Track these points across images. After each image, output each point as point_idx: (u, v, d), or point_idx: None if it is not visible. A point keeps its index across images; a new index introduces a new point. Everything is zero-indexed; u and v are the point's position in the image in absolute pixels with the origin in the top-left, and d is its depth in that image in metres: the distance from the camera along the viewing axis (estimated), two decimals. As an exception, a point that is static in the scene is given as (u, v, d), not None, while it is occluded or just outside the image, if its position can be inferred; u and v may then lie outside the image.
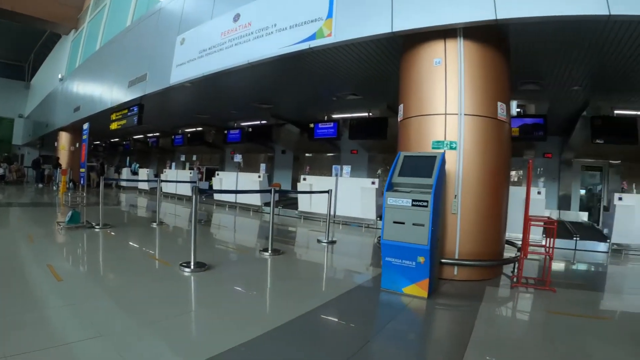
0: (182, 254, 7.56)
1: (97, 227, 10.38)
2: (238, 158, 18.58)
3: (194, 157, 23.06)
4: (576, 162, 18.36)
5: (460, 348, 4.33)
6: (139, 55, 16.88)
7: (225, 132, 22.07)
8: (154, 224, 11.85)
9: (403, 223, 6.20)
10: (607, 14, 6.46)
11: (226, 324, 4.70)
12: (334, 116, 17.43)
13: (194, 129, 24.55)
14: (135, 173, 28.39)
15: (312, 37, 9.39)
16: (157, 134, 28.78)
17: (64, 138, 29.36)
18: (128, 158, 33.98)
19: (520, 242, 7.30)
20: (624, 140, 13.60)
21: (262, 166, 18.01)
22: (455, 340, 4.83)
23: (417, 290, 6.17)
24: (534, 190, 11.63)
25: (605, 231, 12.73)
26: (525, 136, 13.60)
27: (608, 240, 11.75)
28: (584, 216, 17.12)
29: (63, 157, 28.97)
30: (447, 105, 7.43)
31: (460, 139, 7.30)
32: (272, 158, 24.74)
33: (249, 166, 23.52)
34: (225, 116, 20.48)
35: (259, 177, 17.85)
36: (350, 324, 5.10)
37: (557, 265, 9.78)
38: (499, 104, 7.57)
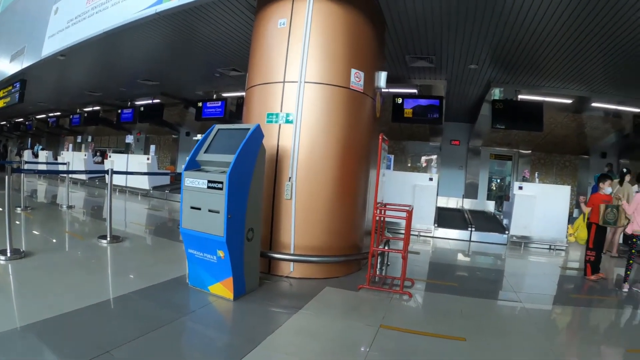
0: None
1: None
2: (130, 139, 17.37)
3: (89, 139, 21.66)
4: (485, 150, 17.70)
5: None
6: (22, 26, 15.20)
7: (119, 111, 20.29)
8: (19, 209, 10.56)
9: (199, 209, 5.06)
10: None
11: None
12: (224, 95, 16.09)
13: (91, 108, 22.43)
14: (36, 155, 26.37)
15: (160, 1, 8.10)
16: (58, 113, 26.70)
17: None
18: (30, 139, 32.04)
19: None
20: (527, 127, 12.72)
21: (152, 147, 16.91)
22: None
23: (222, 289, 5.10)
24: (425, 177, 10.82)
25: (505, 222, 11.92)
26: (419, 118, 12.52)
27: (507, 232, 10.93)
28: (490, 205, 16.35)
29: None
30: (287, 71, 6.26)
31: (298, 110, 6.13)
32: (177, 140, 23.22)
33: (157, 149, 22.33)
34: (116, 94, 18.85)
35: (147, 159, 16.85)
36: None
37: (439, 261, 8.98)
38: (354, 71, 6.42)
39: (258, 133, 5.23)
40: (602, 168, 15.14)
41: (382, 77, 7.12)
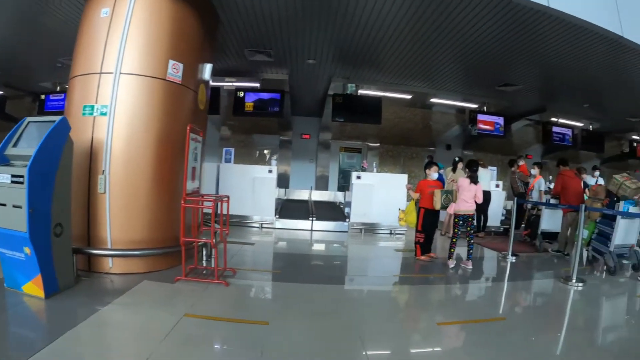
0: None
1: None
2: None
3: None
4: (334, 143, 18.32)
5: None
6: None
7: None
8: None
9: (5, 205, 4.83)
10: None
11: None
12: (67, 86, 15.14)
13: None
14: None
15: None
16: None
17: None
18: None
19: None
20: (366, 120, 13.42)
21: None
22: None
23: (33, 288, 4.91)
24: (264, 169, 10.95)
25: (347, 210, 12.40)
26: (259, 112, 12.80)
27: (347, 220, 11.38)
28: (340, 196, 16.87)
29: None
30: (105, 62, 6.12)
31: (112, 102, 6.01)
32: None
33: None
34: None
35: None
36: None
37: (272, 250, 9.21)
38: (172, 62, 6.42)
39: (63, 125, 5.10)
40: (446, 159, 16.08)
41: (206, 69, 7.21)
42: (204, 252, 6.35)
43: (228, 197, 6.35)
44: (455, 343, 4.63)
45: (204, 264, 6.34)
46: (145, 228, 6.23)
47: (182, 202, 6.01)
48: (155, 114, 6.28)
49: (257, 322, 4.64)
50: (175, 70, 6.45)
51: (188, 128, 6.19)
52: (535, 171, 11.62)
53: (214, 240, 5.87)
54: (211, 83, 7.63)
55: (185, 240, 5.95)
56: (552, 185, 12.07)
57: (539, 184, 11.39)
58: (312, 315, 5.06)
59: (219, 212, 6.44)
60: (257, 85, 12.88)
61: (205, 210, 6.87)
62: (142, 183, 6.19)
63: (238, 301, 5.49)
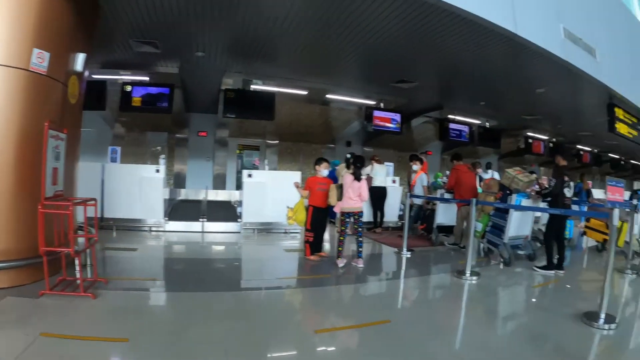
0: None
1: None
2: None
3: None
4: (232, 141, 17.92)
5: None
6: None
7: None
8: None
9: None
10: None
11: None
12: None
13: None
14: None
15: None
16: None
17: None
18: None
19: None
20: (259, 115, 13.28)
21: None
22: None
23: None
24: (152, 169, 10.41)
25: (240, 210, 12.02)
26: (148, 107, 12.15)
27: (239, 220, 11.07)
28: (237, 195, 16.43)
29: None
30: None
31: (-32, 95, 5.35)
32: None
33: None
34: None
35: None
36: None
37: (155, 256, 8.65)
38: (37, 51, 5.77)
39: None
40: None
41: (79, 60, 6.67)
42: (76, 262, 5.73)
43: (95, 200, 5.93)
44: (330, 353, 4.41)
45: (77, 275, 5.69)
46: (8, 237, 5.60)
47: (40, 207, 5.42)
48: (16, 108, 5.64)
49: (116, 339, 4.22)
50: (40, 60, 5.82)
51: (46, 124, 5.58)
52: (416, 167, 11.78)
53: (74, 249, 5.37)
54: (97, 76, 7.01)
55: (45, 250, 5.34)
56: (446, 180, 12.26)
57: (421, 179, 11.54)
58: (180, 329, 4.66)
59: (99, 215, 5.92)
60: (146, 79, 12.26)
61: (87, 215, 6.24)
62: (3, 186, 5.56)
63: (102, 315, 4.99)
